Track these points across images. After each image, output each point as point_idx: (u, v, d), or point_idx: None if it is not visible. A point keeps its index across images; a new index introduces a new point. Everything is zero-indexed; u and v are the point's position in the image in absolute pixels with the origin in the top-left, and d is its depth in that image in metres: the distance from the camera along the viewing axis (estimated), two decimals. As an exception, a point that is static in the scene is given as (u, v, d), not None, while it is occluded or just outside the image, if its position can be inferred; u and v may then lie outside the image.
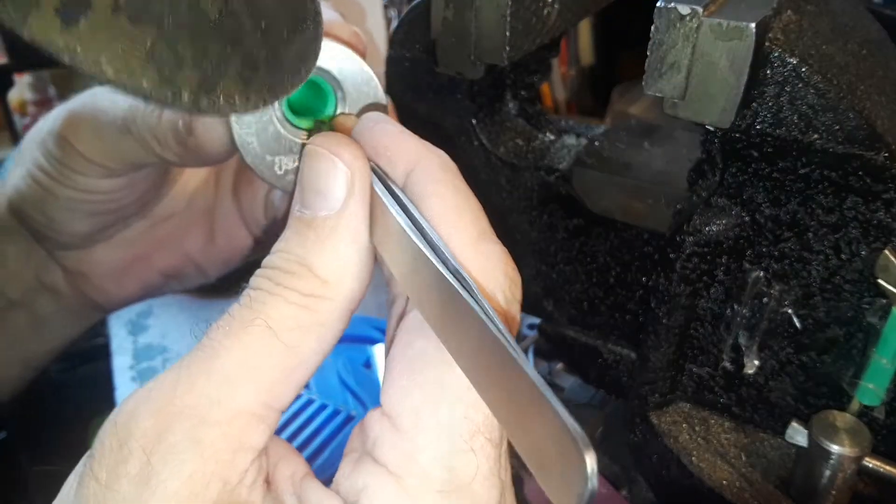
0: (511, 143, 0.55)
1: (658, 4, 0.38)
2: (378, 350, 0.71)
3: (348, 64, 0.38)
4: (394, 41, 0.53)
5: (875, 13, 0.46)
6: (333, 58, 0.37)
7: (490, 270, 0.29)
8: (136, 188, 0.50)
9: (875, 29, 0.45)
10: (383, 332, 0.51)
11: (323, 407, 0.63)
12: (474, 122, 0.54)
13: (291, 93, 0.33)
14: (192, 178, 0.55)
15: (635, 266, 0.52)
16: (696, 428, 0.51)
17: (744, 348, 0.48)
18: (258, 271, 0.32)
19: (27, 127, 1.06)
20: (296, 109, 0.39)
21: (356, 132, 0.34)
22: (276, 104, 0.38)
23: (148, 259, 0.55)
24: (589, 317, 0.56)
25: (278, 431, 0.59)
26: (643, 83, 0.40)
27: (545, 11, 0.46)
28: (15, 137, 1.07)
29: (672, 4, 0.37)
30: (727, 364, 0.49)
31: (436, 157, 0.32)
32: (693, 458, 0.50)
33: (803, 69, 0.37)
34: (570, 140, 0.56)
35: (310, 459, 0.60)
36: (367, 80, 0.38)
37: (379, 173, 0.32)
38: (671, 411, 0.52)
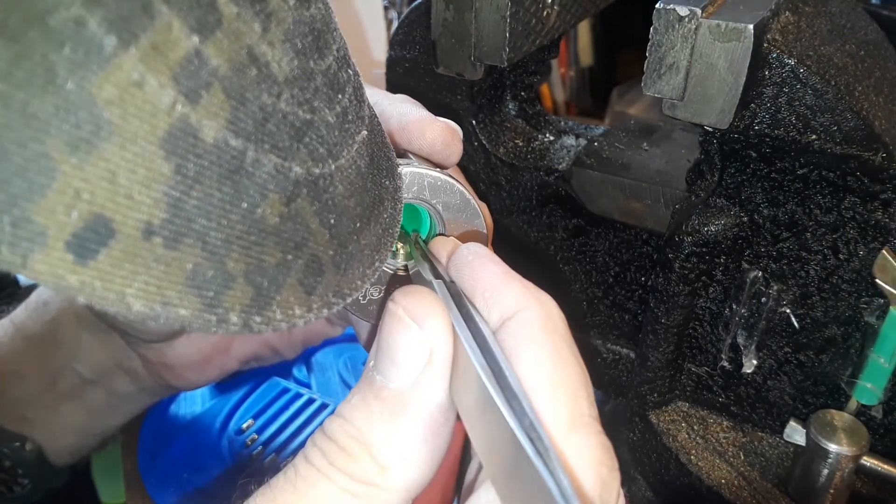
0: (511, 144, 0.55)
1: (657, 6, 0.38)
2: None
3: (441, 185, 0.34)
4: (394, 42, 0.54)
5: (873, 14, 0.47)
6: (426, 182, 0.34)
7: (578, 470, 0.24)
8: None
9: (872, 30, 0.45)
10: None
11: (324, 406, 0.63)
12: (474, 122, 0.54)
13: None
14: None
15: (634, 266, 0.52)
16: (695, 427, 0.52)
17: (742, 348, 0.48)
18: (315, 437, 0.28)
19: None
20: None
21: (454, 264, 0.30)
22: None
23: (227, 348, 0.54)
24: (588, 316, 0.56)
25: (277, 430, 0.60)
26: (642, 84, 0.40)
27: (544, 13, 0.46)
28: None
29: (671, 6, 0.38)
30: (725, 363, 0.49)
31: (539, 307, 0.27)
32: (692, 457, 0.50)
33: (801, 70, 0.38)
34: (569, 141, 0.56)
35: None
36: (465, 203, 0.35)
37: (472, 315, 0.27)
38: (670, 410, 0.53)
